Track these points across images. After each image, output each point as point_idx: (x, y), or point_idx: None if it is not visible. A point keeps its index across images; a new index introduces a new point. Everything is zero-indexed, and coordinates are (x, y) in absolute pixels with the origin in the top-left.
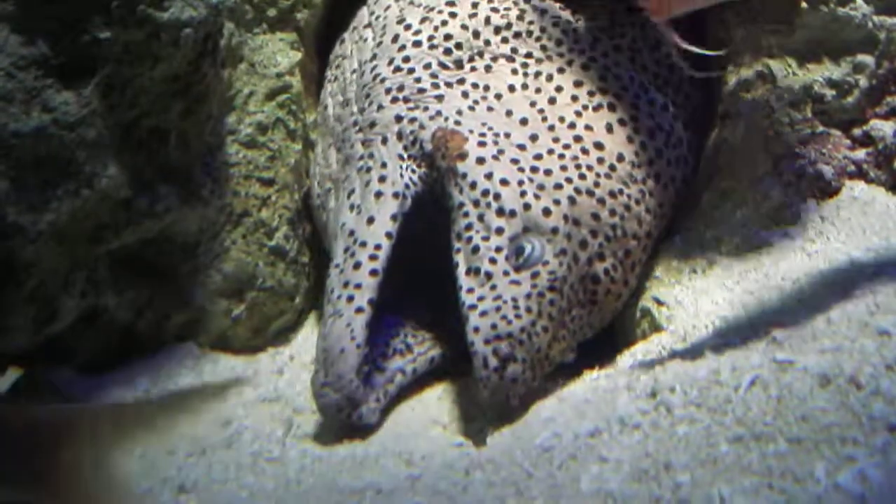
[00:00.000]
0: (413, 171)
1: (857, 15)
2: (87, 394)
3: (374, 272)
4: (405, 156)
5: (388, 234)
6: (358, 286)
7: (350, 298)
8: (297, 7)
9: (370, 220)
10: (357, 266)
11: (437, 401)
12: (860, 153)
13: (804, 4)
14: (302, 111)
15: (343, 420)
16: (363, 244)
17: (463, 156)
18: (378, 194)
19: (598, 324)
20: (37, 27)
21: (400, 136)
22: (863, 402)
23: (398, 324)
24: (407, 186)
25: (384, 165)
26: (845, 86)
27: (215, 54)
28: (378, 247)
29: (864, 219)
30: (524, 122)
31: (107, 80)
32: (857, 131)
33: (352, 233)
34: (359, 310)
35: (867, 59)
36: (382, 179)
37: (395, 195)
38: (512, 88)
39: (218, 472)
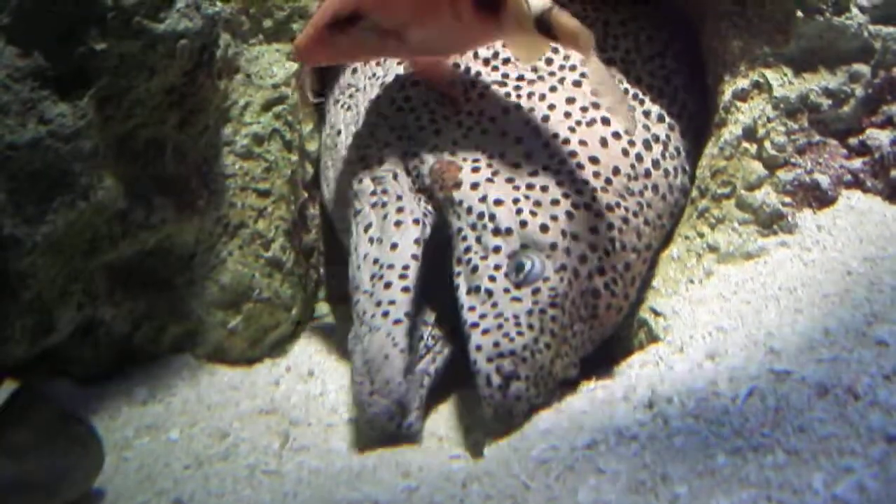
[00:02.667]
0: (426, 203)
1: (852, 24)
2: (84, 405)
3: (405, 289)
4: (414, 188)
5: (414, 256)
6: (392, 302)
7: (385, 314)
8: (292, 18)
9: (394, 246)
10: (388, 286)
11: (433, 412)
12: (857, 162)
13: (800, 14)
14: (298, 122)
15: (392, 430)
16: (390, 266)
17: (458, 184)
18: (398, 223)
19: (600, 338)
20: (33, 39)
21: (408, 171)
22: (860, 412)
23: (423, 324)
24: (425, 214)
25: (399, 198)
26: (841, 95)
27: (211, 65)
28: (406, 267)
29: (861, 228)
30: (518, 140)
31: (103, 92)
32: (853, 141)
33: (376, 261)
34: (397, 321)
35: (863, 68)
36: (400, 210)
37: (416, 221)
38: (505, 110)
39: (214, 484)
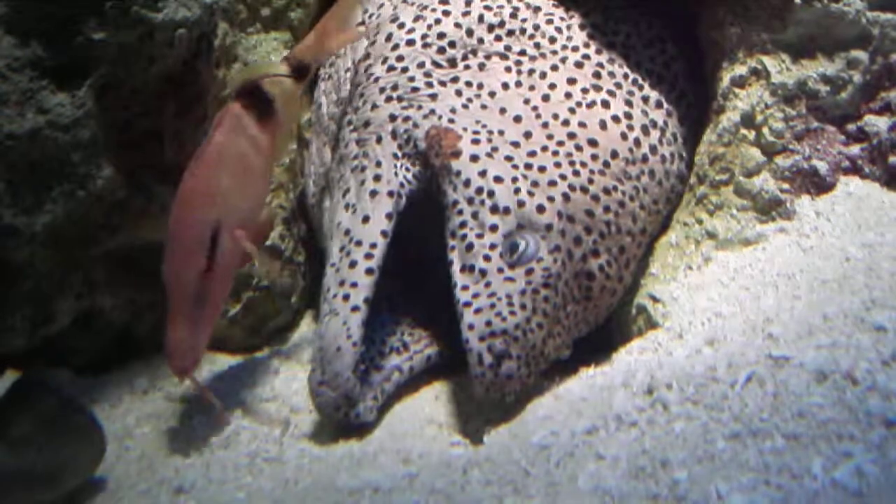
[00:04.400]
0: (407, 170)
1: (850, 11)
2: (84, 395)
3: (369, 271)
4: (399, 154)
5: (384, 233)
6: (354, 285)
7: (346, 297)
8: (290, 6)
9: (365, 219)
10: (353, 265)
11: (433, 399)
12: (855, 149)
13: (798, 0)
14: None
15: (340, 419)
16: (358, 243)
17: (457, 153)
18: (373, 193)
19: (594, 320)
20: (31, 28)
21: (394, 134)
22: (859, 397)
23: (395, 322)
24: (402, 185)
25: (379, 164)
26: (839, 81)
27: (210, 54)
28: (374, 245)
29: (859, 214)
30: (518, 119)
31: (101, 81)
32: (851, 127)
33: (347, 232)
34: (355, 308)
35: (861, 54)
36: (377, 178)
37: (390, 194)
38: (506, 86)
39: (216, 472)
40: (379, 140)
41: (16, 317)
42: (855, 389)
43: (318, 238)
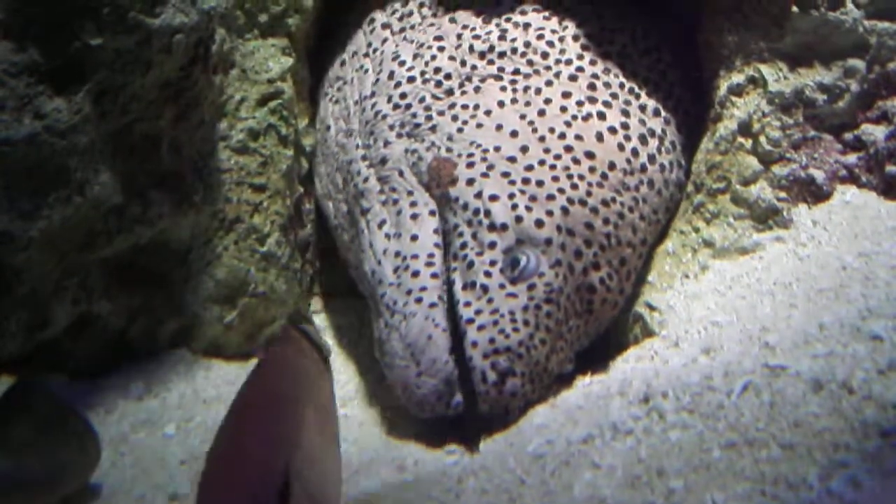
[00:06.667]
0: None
1: (847, 19)
2: (80, 400)
3: (434, 275)
4: (419, 184)
5: (437, 245)
6: (423, 289)
7: (419, 300)
8: (288, 13)
9: (414, 238)
10: (416, 274)
11: None
12: (851, 158)
13: (795, 8)
14: (294, 117)
15: (441, 411)
16: (415, 256)
17: (454, 181)
18: (414, 216)
19: (595, 333)
20: (28, 33)
21: (411, 167)
22: (855, 407)
23: None
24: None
25: (410, 193)
26: (836, 90)
27: (207, 60)
28: (431, 255)
29: (856, 223)
30: (514, 134)
31: (98, 87)
32: (848, 136)
33: (397, 253)
34: (432, 305)
35: (858, 63)
36: (414, 204)
37: (432, 213)
38: (501, 104)
39: None
40: (401, 174)
41: (11, 321)
42: (851, 399)
43: (342, 253)
